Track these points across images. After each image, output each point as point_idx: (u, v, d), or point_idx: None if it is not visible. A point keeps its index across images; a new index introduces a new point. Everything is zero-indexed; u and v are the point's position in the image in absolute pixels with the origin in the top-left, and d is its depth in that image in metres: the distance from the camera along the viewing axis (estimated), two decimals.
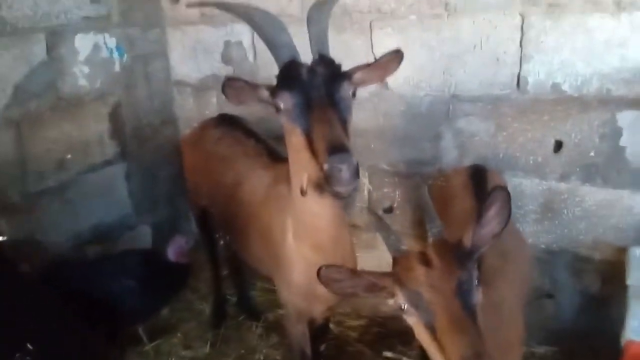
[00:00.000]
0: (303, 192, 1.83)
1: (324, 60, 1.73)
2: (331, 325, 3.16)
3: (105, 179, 3.48)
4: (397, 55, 1.83)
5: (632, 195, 2.59)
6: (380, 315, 3.39)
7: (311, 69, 1.71)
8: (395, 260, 1.55)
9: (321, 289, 2.12)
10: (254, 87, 1.81)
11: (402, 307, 1.46)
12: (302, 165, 1.78)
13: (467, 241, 1.51)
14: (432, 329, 1.38)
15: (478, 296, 1.45)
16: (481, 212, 1.50)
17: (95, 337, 2.27)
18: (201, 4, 3.01)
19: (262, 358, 3.11)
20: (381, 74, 1.88)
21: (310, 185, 1.81)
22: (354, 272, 1.55)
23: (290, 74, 1.71)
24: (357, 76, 1.81)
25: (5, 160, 2.92)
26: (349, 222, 2.56)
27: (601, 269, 2.75)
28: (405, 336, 3.24)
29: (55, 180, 3.17)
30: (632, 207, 2.60)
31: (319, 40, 1.76)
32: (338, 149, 1.57)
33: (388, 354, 3.10)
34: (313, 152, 1.67)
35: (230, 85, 1.78)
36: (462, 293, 1.40)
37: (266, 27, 1.76)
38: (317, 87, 1.70)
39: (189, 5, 3.45)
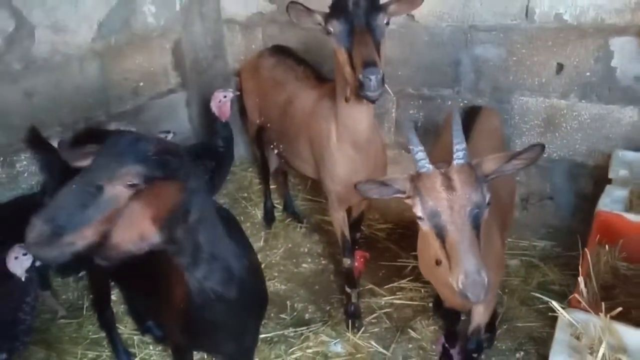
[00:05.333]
0: (347, 99, 2.39)
1: None
2: (363, 228, 3.76)
3: (170, 105, 4.07)
4: None
5: (620, 109, 3.07)
6: (404, 220, 3.97)
7: (356, 2, 2.23)
8: (420, 175, 1.68)
9: (357, 180, 2.72)
10: (311, 12, 2.35)
11: (419, 215, 1.66)
12: (345, 77, 2.32)
13: (490, 169, 1.67)
14: (442, 240, 1.60)
15: (486, 214, 1.62)
16: (516, 153, 1.67)
17: None
18: None
19: (306, 251, 3.77)
20: (409, 7, 2.37)
21: (352, 93, 2.36)
22: (382, 183, 1.76)
23: (340, 6, 2.24)
24: (391, 8, 2.31)
25: (92, 86, 3.53)
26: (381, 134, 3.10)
27: (594, 174, 3.27)
28: None
29: (131, 104, 3.77)
30: (620, 119, 3.08)
31: None
32: (370, 64, 2.11)
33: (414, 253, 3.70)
34: (352, 66, 2.21)
35: (294, 8, 2.34)
36: (474, 215, 1.57)
37: None
38: (359, 17, 2.23)
39: None
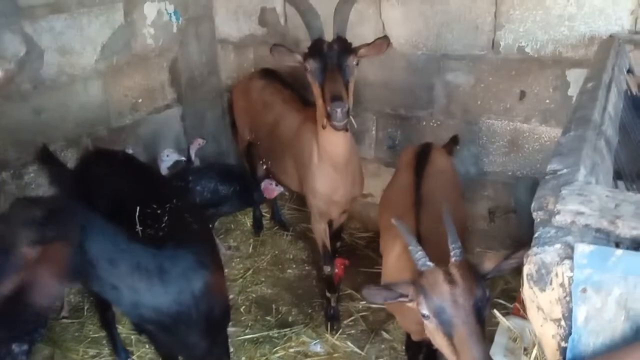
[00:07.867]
0: (323, 127, 2.69)
1: (340, 40, 2.58)
2: (344, 236, 4.06)
3: (166, 119, 4.35)
4: (385, 40, 2.65)
5: None
6: None
7: (330, 45, 2.55)
8: (422, 273, 1.74)
9: (336, 196, 3.03)
10: (291, 52, 2.66)
11: (424, 314, 1.69)
12: (319, 107, 2.63)
13: (488, 268, 1.78)
14: (449, 336, 1.63)
15: (488, 309, 1.71)
16: (510, 253, 1.74)
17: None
18: None
19: (291, 257, 4.09)
20: (376, 51, 2.68)
21: (326, 122, 2.66)
22: (385, 287, 1.81)
23: (316, 48, 2.56)
24: (361, 51, 2.64)
25: (95, 102, 3.81)
26: (359, 154, 3.41)
27: None
28: None
29: (130, 119, 4.05)
30: None
31: (340, 25, 2.60)
32: (337, 98, 2.43)
33: None
34: (324, 99, 2.52)
35: (277, 49, 2.66)
36: (478, 309, 1.64)
37: (307, 14, 2.60)
38: (332, 58, 2.56)
39: None
